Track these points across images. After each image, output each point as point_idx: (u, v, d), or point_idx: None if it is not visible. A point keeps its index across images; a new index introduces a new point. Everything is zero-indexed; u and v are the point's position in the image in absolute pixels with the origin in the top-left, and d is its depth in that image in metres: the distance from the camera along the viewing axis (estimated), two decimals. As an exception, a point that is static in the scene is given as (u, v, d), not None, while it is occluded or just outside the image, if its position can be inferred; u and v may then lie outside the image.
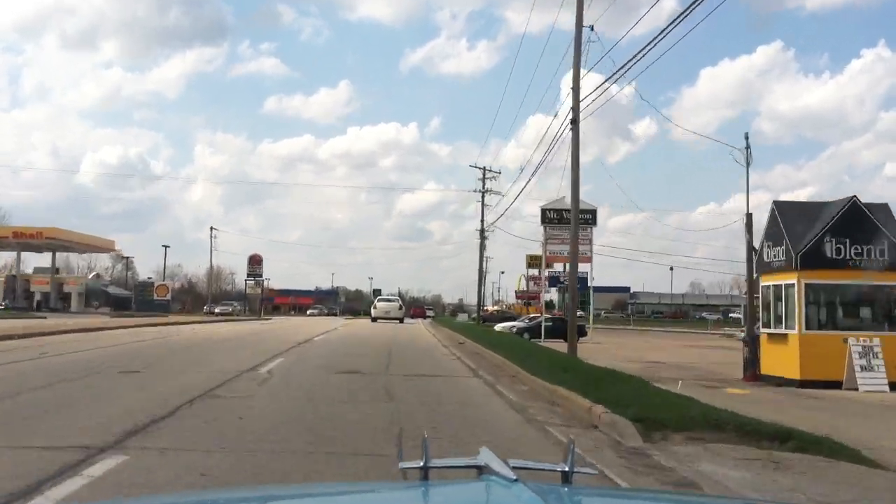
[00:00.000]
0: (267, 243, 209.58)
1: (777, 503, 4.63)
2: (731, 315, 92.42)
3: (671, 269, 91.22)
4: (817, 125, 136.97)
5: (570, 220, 31.88)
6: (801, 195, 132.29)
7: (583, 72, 19.54)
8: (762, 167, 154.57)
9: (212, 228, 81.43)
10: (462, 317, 53.38)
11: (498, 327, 39.43)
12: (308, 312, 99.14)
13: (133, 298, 70.98)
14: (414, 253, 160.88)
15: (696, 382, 14.98)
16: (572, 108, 19.55)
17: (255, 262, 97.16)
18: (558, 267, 32.89)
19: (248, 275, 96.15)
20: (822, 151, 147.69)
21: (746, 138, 21.44)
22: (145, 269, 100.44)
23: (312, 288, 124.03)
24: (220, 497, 2.23)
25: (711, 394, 12.50)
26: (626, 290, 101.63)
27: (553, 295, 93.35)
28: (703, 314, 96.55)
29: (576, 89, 19.30)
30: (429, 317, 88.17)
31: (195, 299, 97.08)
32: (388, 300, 50.64)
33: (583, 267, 32.20)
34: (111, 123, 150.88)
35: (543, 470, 1.90)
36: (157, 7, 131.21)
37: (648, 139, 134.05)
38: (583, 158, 20.00)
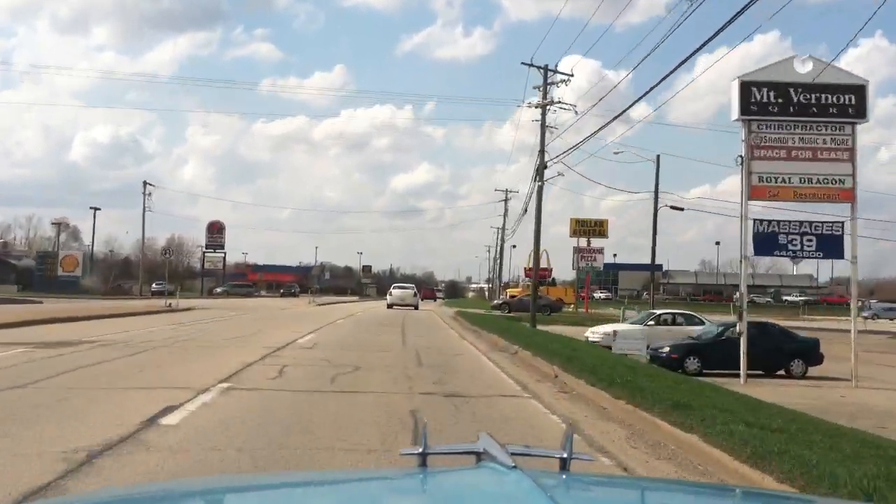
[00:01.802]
0: (258, 219, 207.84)
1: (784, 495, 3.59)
2: (785, 298, 77.71)
3: (717, 243, 76.51)
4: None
5: (810, 110, 15.63)
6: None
7: None
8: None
9: (145, 184, 64.04)
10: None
11: (593, 336, 22.05)
12: (215, 291, 74.17)
13: (33, 272, 53.74)
14: (406, 229, 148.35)
15: None
16: None
17: (214, 229, 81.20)
18: (752, 211, 16.35)
19: (207, 245, 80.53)
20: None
21: None
22: (124, 244, 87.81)
23: (296, 264, 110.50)
24: (217, 486, 2.08)
25: None
26: (659, 267, 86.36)
27: (560, 271, 78.05)
28: (753, 297, 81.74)
29: None
30: (439, 298, 77.65)
31: (150, 275, 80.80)
32: (404, 287, 51.64)
33: (836, 209, 15.94)
34: (103, 104, 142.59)
35: (542, 456, 1.88)
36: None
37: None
38: None
